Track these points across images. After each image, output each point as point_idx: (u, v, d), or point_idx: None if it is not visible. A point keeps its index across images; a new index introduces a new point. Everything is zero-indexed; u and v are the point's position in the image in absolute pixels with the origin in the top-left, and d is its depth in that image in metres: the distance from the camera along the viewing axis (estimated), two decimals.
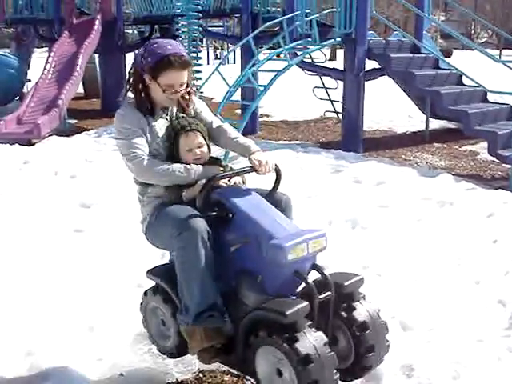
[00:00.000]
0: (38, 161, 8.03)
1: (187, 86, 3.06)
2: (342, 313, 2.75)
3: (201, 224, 2.75)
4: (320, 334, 2.55)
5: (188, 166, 2.91)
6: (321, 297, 2.64)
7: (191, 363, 3.22)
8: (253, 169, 2.90)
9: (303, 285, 2.70)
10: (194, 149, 2.97)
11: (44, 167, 7.64)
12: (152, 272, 3.13)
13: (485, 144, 8.23)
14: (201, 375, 3.15)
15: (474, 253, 4.74)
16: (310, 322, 2.57)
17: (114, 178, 6.96)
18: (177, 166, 2.91)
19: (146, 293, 3.17)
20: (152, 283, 3.14)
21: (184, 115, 3.11)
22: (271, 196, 2.99)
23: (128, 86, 3.13)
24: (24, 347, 3.30)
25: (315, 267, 2.73)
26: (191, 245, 2.72)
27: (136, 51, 3.11)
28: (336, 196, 6.20)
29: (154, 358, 3.28)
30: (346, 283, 2.75)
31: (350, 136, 9.37)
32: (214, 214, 2.82)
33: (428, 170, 7.81)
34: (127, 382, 3.09)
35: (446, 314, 3.73)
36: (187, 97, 3.11)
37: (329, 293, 2.68)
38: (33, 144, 9.60)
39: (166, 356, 3.19)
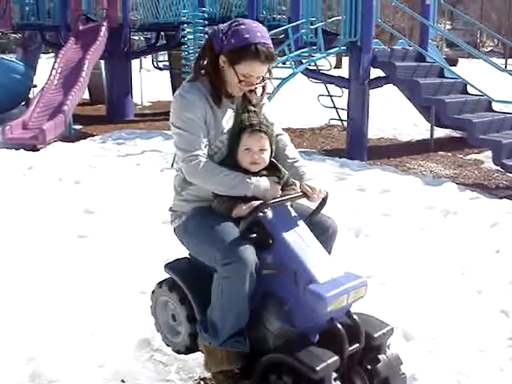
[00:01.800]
0: (42, 166, 8.05)
1: (263, 80, 2.78)
2: (367, 364, 2.65)
3: (251, 256, 2.54)
4: None
5: (248, 178, 2.66)
6: (350, 349, 2.53)
7: (193, 371, 3.20)
8: (305, 195, 2.74)
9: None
10: (254, 151, 2.70)
11: (48, 173, 7.66)
12: (170, 267, 3.00)
13: (489, 153, 8.22)
14: (202, 383, 3.14)
15: (477, 262, 4.72)
16: (335, 375, 2.48)
17: (119, 184, 6.99)
18: (236, 178, 2.65)
19: (160, 284, 3.05)
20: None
21: (256, 110, 2.79)
22: (317, 219, 2.83)
23: (197, 63, 2.77)
24: (26, 353, 3.29)
25: (347, 313, 2.61)
26: (238, 278, 2.53)
27: (218, 26, 2.68)
28: (340, 204, 6.19)
29: (156, 365, 3.27)
30: (376, 335, 2.63)
31: (354, 144, 9.38)
32: (255, 236, 2.64)
33: (432, 178, 7.80)
34: None
35: (448, 323, 3.72)
36: (259, 91, 2.82)
37: (358, 345, 2.57)
38: (38, 149, 9.62)
39: (167, 361, 3.20)
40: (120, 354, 3.33)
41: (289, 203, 2.80)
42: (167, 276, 3.04)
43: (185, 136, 2.67)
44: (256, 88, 2.80)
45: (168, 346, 3.12)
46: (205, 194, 2.78)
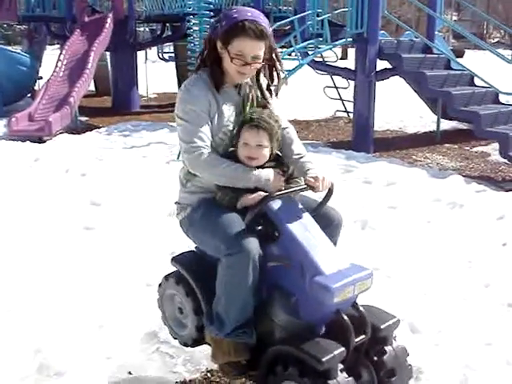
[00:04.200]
0: (48, 158, 8.07)
1: (271, 64, 2.79)
2: (373, 356, 2.65)
3: (254, 246, 2.55)
4: (351, 381, 2.48)
5: (249, 169, 2.68)
6: (356, 340, 2.53)
7: (199, 363, 3.22)
8: (309, 187, 2.71)
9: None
10: (251, 146, 2.70)
11: (55, 165, 7.68)
12: (177, 260, 3.00)
13: (496, 145, 8.20)
14: (209, 375, 3.15)
15: (483, 255, 4.72)
16: (341, 366, 2.48)
17: (125, 176, 7.00)
18: (237, 169, 2.67)
19: (167, 278, 3.05)
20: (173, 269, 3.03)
21: (266, 104, 2.82)
22: (322, 211, 2.82)
23: (201, 55, 2.81)
24: (33, 345, 3.31)
25: (354, 305, 2.61)
26: (241, 268, 2.54)
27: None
28: (346, 196, 6.18)
29: (163, 357, 3.28)
30: (382, 326, 2.63)
31: (360, 136, 9.36)
32: (260, 228, 2.66)
33: (438, 171, 7.78)
34: (136, 381, 3.10)
35: (454, 316, 3.72)
36: (267, 78, 2.83)
37: (364, 336, 2.57)
38: (44, 141, 9.64)
39: (174, 353, 3.21)
40: (127, 347, 3.35)
41: (294, 195, 2.80)
42: (174, 269, 3.04)
43: (188, 127, 2.69)
44: (265, 73, 2.82)
45: (175, 339, 3.12)
46: (210, 185, 2.78)
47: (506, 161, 8.09)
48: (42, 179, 6.97)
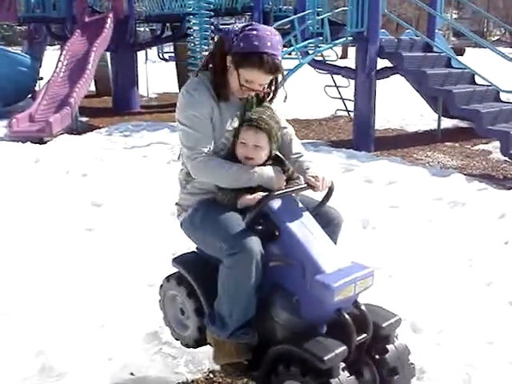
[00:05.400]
0: (49, 159, 8.06)
1: (270, 85, 2.79)
2: (375, 354, 2.64)
3: (256, 246, 2.54)
4: (353, 380, 2.48)
5: (251, 168, 2.67)
6: (358, 339, 2.52)
7: (201, 363, 3.21)
8: (309, 186, 2.72)
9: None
10: (248, 146, 2.70)
11: (55, 165, 7.67)
12: (178, 261, 2.99)
13: (497, 143, 8.20)
14: (211, 375, 3.14)
15: (485, 254, 4.71)
16: (343, 365, 2.47)
17: (126, 177, 7.00)
18: (239, 170, 2.66)
19: (168, 279, 3.05)
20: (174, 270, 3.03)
21: (269, 106, 2.82)
22: (322, 211, 2.81)
23: (206, 60, 2.79)
24: (34, 346, 3.30)
25: (355, 303, 2.61)
26: (243, 267, 2.53)
27: (233, 26, 2.69)
28: (347, 195, 6.18)
29: (165, 357, 3.27)
30: (383, 324, 2.62)
31: (361, 135, 9.35)
32: (261, 228, 2.64)
33: (440, 169, 7.76)
34: (138, 382, 3.09)
35: (456, 315, 3.71)
36: (269, 92, 2.82)
37: (365, 335, 2.56)
38: (44, 142, 9.64)
39: (176, 354, 3.20)
40: (129, 347, 3.34)
41: (294, 195, 2.80)
42: (175, 270, 3.04)
43: (190, 134, 2.69)
44: (266, 93, 2.81)
45: (177, 340, 3.12)
46: (209, 187, 2.79)
47: (507, 159, 8.09)
48: (43, 180, 6.96)
